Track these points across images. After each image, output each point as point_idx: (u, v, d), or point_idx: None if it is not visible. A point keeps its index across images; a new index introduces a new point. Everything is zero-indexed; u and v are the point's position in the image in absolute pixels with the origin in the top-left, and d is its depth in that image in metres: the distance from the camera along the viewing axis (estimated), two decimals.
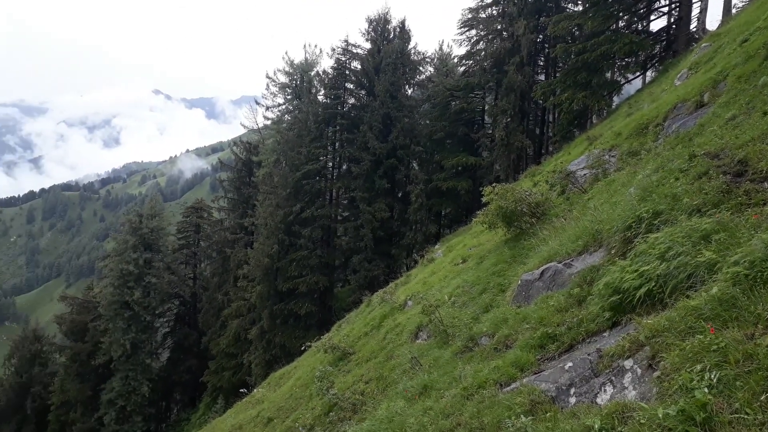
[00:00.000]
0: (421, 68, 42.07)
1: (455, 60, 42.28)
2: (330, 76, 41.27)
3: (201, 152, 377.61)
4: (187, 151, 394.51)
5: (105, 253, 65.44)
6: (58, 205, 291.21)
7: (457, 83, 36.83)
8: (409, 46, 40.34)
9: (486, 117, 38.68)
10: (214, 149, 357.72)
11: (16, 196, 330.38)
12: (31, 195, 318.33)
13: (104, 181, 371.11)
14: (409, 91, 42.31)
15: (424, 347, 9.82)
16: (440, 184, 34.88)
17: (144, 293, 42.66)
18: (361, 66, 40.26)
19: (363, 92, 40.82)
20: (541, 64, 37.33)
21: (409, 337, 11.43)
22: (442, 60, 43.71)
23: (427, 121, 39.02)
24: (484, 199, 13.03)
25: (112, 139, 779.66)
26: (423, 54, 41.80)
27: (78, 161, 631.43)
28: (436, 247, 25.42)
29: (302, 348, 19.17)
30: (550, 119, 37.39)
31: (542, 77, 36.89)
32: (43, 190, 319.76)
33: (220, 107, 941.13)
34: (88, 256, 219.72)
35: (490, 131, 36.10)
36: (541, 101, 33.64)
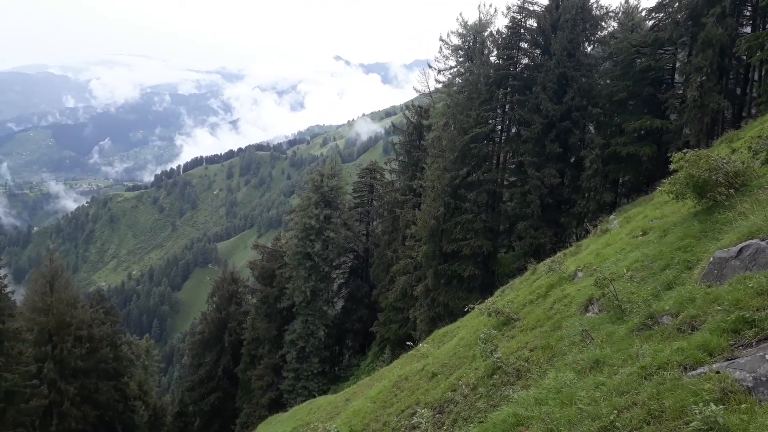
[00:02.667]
0: (603, 23, 38.70)
1: (643, 13, 38.08)
2: (503, 35, 39.89)
3: (375, 116, 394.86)
4: (363, 115, 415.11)
5: (291, 208, 72.33)
6: (252, 163, 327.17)
7: (643, 39, 33.35)
8: (591, 0, 37.37)
9: (676, 75, 34.56)
10: (388, 113, 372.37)
11: (219, 154, 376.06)
12: (230, 153, 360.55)
13: (291, 142, 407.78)
14: (589, 49, 39.30)
15: (595, 321, 9.45)
16: (619, 149, 32.25)
17: (323, 246, 46.47)
18: (537, 24, 38.26)
19: (537, 51, 38.89)
20: (748, 14, 31.93)
21: (578, 309, 11.05)
22: (628, 14, 39.76)
23: (608, 81, 36.06)
24: (672, 167, 11.75)
25: (298, 103, 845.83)
26: (606, 8, 38.28)
27: (269, 123, 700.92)
28: (612, 217, 23.85)
29: (465, 309, 19.49)
30: (755, 78, 32.11)
31: (748, 29, 31.76)
32: (240, 149, 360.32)
33: (393, 72, 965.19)
34: (276, 210, 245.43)
35: (681, 91, 32.29)
36: (744, 57, 29.03)
